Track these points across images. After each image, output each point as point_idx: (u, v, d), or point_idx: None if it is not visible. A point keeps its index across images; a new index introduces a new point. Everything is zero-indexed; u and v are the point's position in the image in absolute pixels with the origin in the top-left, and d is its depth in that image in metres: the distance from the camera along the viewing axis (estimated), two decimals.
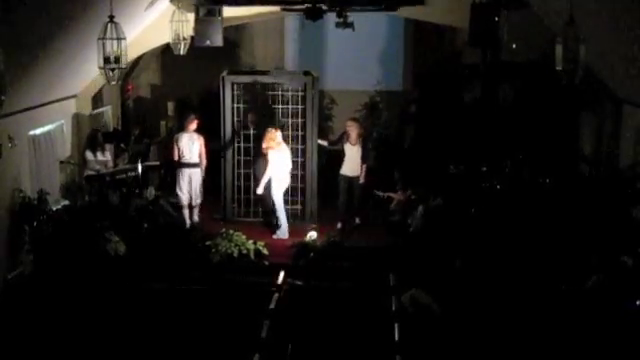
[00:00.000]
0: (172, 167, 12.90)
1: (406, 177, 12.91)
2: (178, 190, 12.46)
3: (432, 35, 16.37)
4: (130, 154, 13.24)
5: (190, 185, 12.45)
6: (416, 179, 12.64)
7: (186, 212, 12.57)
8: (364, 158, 12.68)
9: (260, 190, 12.17)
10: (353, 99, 15.84)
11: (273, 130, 12.09)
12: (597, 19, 9.10)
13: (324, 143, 13.05)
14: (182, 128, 12.63)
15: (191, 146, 12.38)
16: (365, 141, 12.83)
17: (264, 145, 12.04)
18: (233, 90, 12.81)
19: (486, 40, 10.34)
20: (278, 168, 12.07)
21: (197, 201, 12.61)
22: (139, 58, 13.94)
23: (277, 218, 12.27)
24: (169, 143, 13.41)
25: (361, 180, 12.68)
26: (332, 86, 16.18)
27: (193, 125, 12.47)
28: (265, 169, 12.09)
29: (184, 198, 12.48)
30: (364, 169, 12.69)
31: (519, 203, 10.53)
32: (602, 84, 11.28)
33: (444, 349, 8.00)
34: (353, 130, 12.60)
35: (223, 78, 12.80)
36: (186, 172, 12.42)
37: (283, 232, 12.23)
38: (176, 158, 12.44)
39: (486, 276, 9.31)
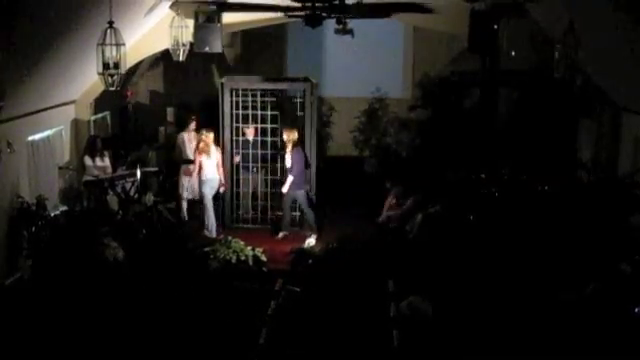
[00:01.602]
0: (171, 173, 13.12)
1: (404, 185, 12.88)
2: (180, 186, 13.15)
3: (432, 42, 16.42)
4: (129, 160, 13.24)
5: (189, 181, 13.04)
6: (415, 186, 12.61)
7: (185, 205, 13.13)
8: (290, 167, 12.28)
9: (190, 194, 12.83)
10: (352, 106, 15.86)
11: (207, 134, 12.43)
12: (596, 27, 9.11)
13: None
14: (184, 129, 13.50)
15: (189, 144, 13.13)
16: (297, 150, 12.32)
17: (200, 150, 12.41)
18: (232, 96, 12.82)
19: (485, 47, 10.37)
20: (209, 171, 12.39)
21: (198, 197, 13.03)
22: (139, 64, 13.95)
23: (208, 218, 12.46)
24: (168, 148, 13.95)
25: (283, 189, 12.35)
26: (331, 93, 16.22)
27: (192, 125, 13.31)
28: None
29: (184, 194, 13.11)
30: (288, 179, 12.26)
31: (517, 210, 10.52)
32: (601, 91, 11.30)
33: (442, 356, 7.98)
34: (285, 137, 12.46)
35: (222, 84, 12.81)
36: (184, 169, 13.10)
37: (212, 230, 12.45)
38: (178, 156, 13.24)
39: (484, 283, 9.30)
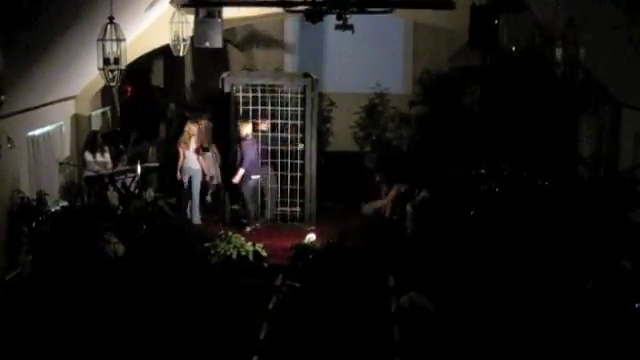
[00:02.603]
0: (171, 168, 13.16)
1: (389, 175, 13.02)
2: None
3: (432, 37, 16.40)
4: (129, 155, 13.24)
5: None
6: (405, 179, 12.71)
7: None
8: (242, 159, 12.53)
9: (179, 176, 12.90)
10: (353, 101, 15.84)
11: (190, 126, 12.66)
12: (596, 22, 9.10)
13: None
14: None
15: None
16: (252, 142, 12.58)
17: (185, 141, 12.68)
18: (233, 91, 12.82)
19: (486, 42, 10.36)
20: (188, 161, 12.69)
21: (213, 182, 13.37)
22: (139, 59, 13.92)
23: (193, 203, 12.82)
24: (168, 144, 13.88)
25: (234, 180, 12.48)
26: (332, 88, 16.18)
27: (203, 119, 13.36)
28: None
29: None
30: (240, 171, 12.47)
31: (518, 206, 10.52)
32: (601, 87, 11.29)
33: (443, 351, 7.99)
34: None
35: (223, 79, 12.80)
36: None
37: (194, 217, 12.88)
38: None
39: (485, 278, 9.30)
